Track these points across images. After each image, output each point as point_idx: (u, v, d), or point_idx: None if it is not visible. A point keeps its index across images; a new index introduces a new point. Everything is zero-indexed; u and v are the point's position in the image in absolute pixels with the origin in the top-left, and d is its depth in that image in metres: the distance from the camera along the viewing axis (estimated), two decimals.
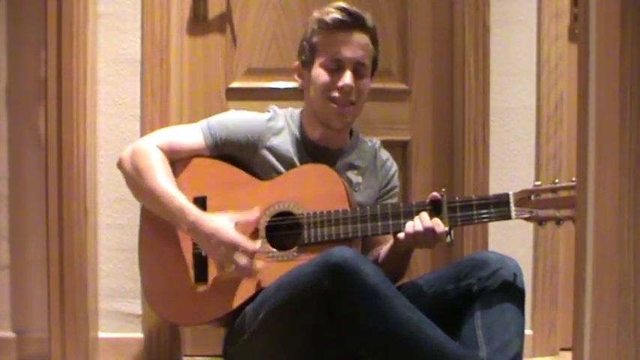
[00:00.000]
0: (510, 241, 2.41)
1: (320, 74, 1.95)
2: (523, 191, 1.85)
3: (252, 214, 1.89)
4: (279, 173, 1.96)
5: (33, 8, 2.33)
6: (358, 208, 1.90)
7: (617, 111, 1.08)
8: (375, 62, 2.01)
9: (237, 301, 1.88)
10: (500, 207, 1.84)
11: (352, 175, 2.03)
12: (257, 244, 1.87)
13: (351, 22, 1.93)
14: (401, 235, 1.85)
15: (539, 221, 1.85)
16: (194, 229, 1.86)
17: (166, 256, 1.96)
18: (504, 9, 2.43)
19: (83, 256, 2.31)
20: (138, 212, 2.04)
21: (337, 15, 1.93)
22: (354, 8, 1.95)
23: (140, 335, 2.39)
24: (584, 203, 1.18)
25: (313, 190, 1.91)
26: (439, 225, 1.82)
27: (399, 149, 2.46)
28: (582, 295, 1.18)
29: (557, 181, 1.87)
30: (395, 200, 2.11)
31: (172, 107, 2.38)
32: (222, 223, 1.85)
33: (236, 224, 1.86)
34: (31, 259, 2.38)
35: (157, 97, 2.36)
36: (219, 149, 1.99)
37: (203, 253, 1.92)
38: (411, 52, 2.49)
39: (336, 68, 1.94)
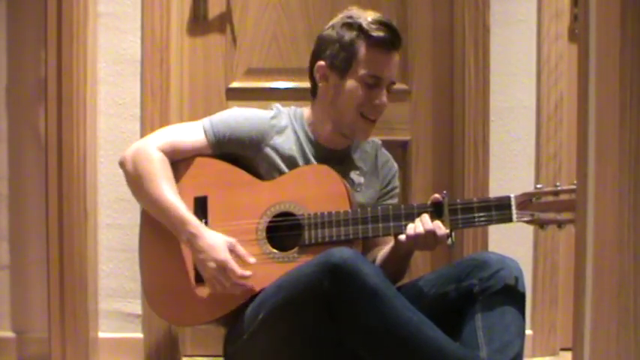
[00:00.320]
0: (510, 241, 2.41)
1: (357, 88, 1.93)
2: (524, 194, 1.85)
3: (249, 258, 1.87)
4: (281, 172, 1.96)
5: (33, 8, 2.33)
6: (359, 210, 1.89)
7: (617, 111, 1.08)
8: None
9: (237, 302, 1.88)
10: (501, 210, 1.84)
11: (355, 176, 2.03)
12: (251, 260, 1.87)
13: (395, 42, 1.94)
14: (402, 237, 1.85)
15: (541, 224, 1.85)
16: (191, 241, 1.87)
17: (166, 256, 1.96)
18: (504, 9, 2.43)
19: (83, 256, 2.31)
20: (138, 212, 2.04)
21: (384, 34, 1.92)
22: (394, 25, 1.96)
23: (140, 335, 2.39)
24: (584, 203, 1.18)
25: (314, 191, 1.91)
26: (440, 227, 1.82)
27: (399, 149, 2.46)
28: (582, 295, 1.18)
29: (558, 184, 1.87)
30: (395, 201, 2.10)
31: (172, 107, 2.38)
32: (218, 241, 1.86)
33: (231, 251, 1.86)
34: (31, 259, 2.38)
35: (157, 97, 2.36)
36: (221, 147, 1.98)
37: None
38: (411, 52, 2.49)
39: (373, 84, 1.93)
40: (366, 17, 1.94)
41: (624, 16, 1.07)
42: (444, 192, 1.87)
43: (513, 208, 1.84)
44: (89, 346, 2.32)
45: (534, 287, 2.44)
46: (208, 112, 2.10)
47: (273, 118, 2.01)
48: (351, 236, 1.86)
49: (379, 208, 1.89)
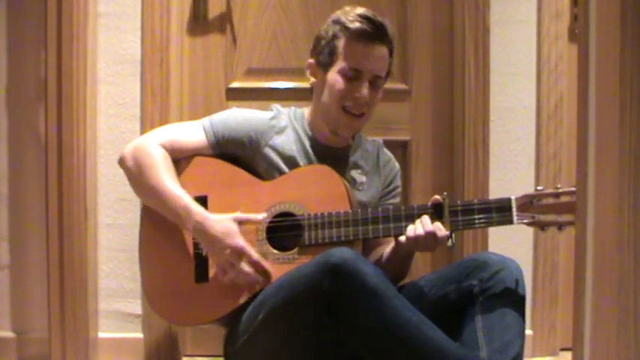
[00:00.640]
0: (510, 241, 2.41)
1: (337, 80, 1.93)
2: (525, 196, 1.85)
3: (258, 216, 1.89)
4: (281, 172, 1.96)
5: (33, 8, 2.33)
6: (359, 210, 1.89)
7: (617, 111, 1.08)
8: (388, 72, 2.00)
9: (237, 302, 1.88)
10: (502, 212, 1.84)
11: (356, 175, 2.03)
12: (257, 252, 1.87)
13: (375, 34, 1.91)
14: (402, 238, 1.85)
15: (541, 226, 1.85)
16: (200, 229, 1.86)
17: (167, 256, 1.96)
18: (504, 9, 2.43)
19: (83, 256, 2.31)
20: (138, 212, 2.04)
21: (362, 25, 1.90)
22: (378, 18, 1.93)
23: (140, 335, 2.39)
24: (584, 203, 1.18)
25: (314, 191, 1.91)
26: (440, 229, 1.81)
27: (399, 149, 2.45)
28: (582, 295, 1.18)
29: (559, 186, 1.87)
30: (397, 200, 2.10)
31: (172, 107, 2.38)
32: (229, 226, 1.86)
33: (240, 224, 1.87)
34: (31, 259, 2.38)
35: (157, 97, 2.36)
36: (221, 147, 1.98)
37: (204, 253, 1.92)
38: (411, 53, 2.49)
39: (353, 77, 1.92)
40: (352, 12, 1.94)
41: (624, 16, 1.07)
42: (444, 193, 1.87)
43: (514, 210, 1.83)
44: (89, 346, 2.32)
45: (534, 287, 2.44)
46: (208, 112, 2.10)
47: (272, 118, 2.01)
48: (351, 237, 1.86)
49: (379, 209, 1.89)
